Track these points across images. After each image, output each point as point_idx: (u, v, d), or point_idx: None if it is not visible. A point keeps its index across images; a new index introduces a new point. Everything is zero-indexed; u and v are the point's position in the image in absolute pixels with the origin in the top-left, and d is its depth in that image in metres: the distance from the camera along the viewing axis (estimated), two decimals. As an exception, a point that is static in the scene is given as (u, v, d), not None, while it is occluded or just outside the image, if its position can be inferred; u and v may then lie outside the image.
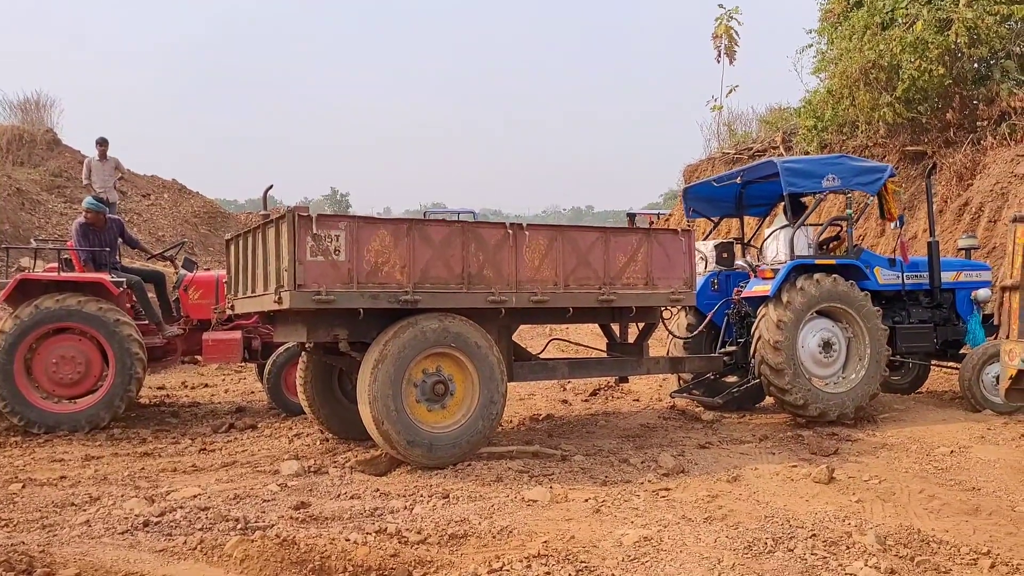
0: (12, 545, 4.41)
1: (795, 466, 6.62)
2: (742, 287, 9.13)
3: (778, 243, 8.94)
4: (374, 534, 4.86)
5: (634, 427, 8.38)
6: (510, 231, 6.77)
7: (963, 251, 10.13)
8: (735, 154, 21.23)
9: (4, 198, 19.37)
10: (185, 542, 4.64)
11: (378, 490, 5.98)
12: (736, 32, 22.74)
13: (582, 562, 4.53)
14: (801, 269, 8.39)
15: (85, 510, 5.43)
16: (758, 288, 8.53)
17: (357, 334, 6.55)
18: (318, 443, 7.63)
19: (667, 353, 9.44)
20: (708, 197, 10.03)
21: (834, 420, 8.17)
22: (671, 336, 9.38)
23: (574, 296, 7.07)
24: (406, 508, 5.51)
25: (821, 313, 8.42)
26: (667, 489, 6.03)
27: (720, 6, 22.56)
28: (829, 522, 5.20)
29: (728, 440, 7.68)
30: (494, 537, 4.96)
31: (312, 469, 6.54)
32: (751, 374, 8.63)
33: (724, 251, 9.67)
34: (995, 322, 9.71)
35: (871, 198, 9.13)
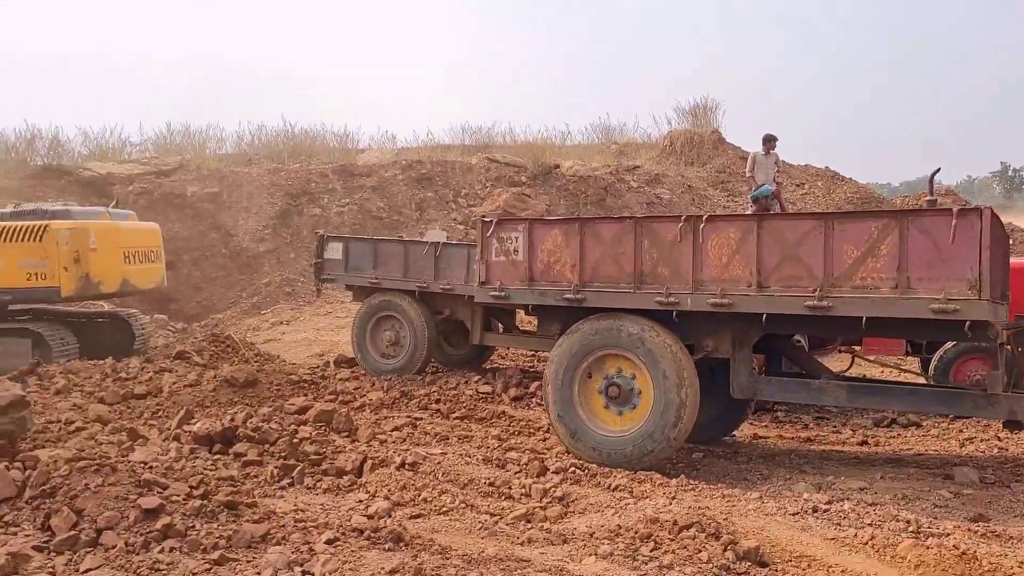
0: (700, 509, 4.97)
1: None
2: None
3: None
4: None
5: None
6: (685, 223, 6.04)
7: None
8: None
9: (677, 194, 21.99)
10: (856, 535, 4.66)
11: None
12: None
13: None
14: None
15: (758, 487, 5.84)
16: None
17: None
18: (994, 450, 6.91)
19: None
20: None
21: None
22: None
23: (771, 300, 5.77)
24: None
25: None
26: None
27: None
28: None
29: None
30: None
31: (990, 480, 5.94)
32: None
33: None
34: None
35: None
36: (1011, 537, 4.71)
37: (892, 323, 5.76)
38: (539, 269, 6.69)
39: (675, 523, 4.62)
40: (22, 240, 10.67)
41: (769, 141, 14.97)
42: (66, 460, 5.09)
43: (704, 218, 6.09)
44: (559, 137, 26.81)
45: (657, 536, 4.54)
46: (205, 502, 4.82)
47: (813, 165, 25.68)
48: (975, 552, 4.25)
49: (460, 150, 24.35)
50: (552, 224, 6.89)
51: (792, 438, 7.61)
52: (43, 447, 6.17)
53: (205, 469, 5.61)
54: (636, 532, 4.61)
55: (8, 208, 11.57)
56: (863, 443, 7.33)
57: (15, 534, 4.44)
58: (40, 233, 10.67)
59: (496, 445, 6.67)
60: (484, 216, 7.35)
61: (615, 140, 27.37)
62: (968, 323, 5.29)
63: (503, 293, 6.86)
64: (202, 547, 4.37)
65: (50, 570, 4.08)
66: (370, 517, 4.97)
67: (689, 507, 5.07)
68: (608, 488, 5.73)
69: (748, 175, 15.75)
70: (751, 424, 8.22)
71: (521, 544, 4.62)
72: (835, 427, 7.92)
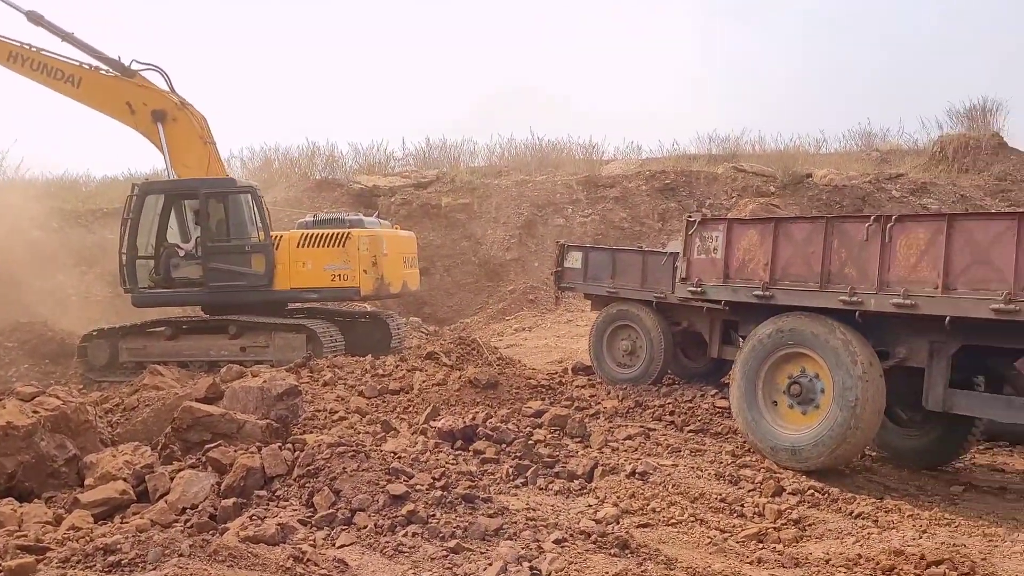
0: (955, 546, 4.56)
1: None
2: None
3: None
4: None
5: None
6: (874, 223, 5.93)
7: None
8: None
9: (948, 204, 20.09)
10: None
11: None
12: None
13: None
14: None
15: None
16: None
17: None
18: None
19: None
20: None
21: None
22: None
23: (956, 303, 5.47)
24: None
25: None
26: None
27: None
28: None
29: None
30: None
31: None
32: None
33: None
34: None
35: None
36: None
37: None
38: (734, 267, 6.93)
39: (922, 558, 4.28)
40: (327, 246, 12.00)
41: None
42: (328, 445, 5.64)
43: (894, 218, 5.95)
44: (813, 145, 25.53)
45: (901, 570, 4.23)
46: (445, 493, 5.15)
47: None
48: None
49: (706, 159, 23.88)
50: (749, 224, 7.11)
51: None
52: (311, 432, 6.87)
53: (447, 463, 5.98)
54: (878, 563, 4.33)
55: (309, 217, 13.06)
56: None
57: (284, 507, 5.00)
58: (343, 240, 11.94)
59: (730, 461, 6.51)
60: (689, 215, 7.53)
61: (876, 147, 25.56)
62: None
63: (700, 289, 7.17)
64: (441, 535, 4.67)
65: (311, 542, 4.55)
66: (598, 522, 5.05)
67: (942, 543, 4.67)
68: (849, 515, 5.42)
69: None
70: (1021, 455, 7.38)
71: (750, 563, 4.50)
72: None
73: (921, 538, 4.81)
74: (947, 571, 4.17)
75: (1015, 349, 5.96)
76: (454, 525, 4.78)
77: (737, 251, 6.91)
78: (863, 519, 5.31)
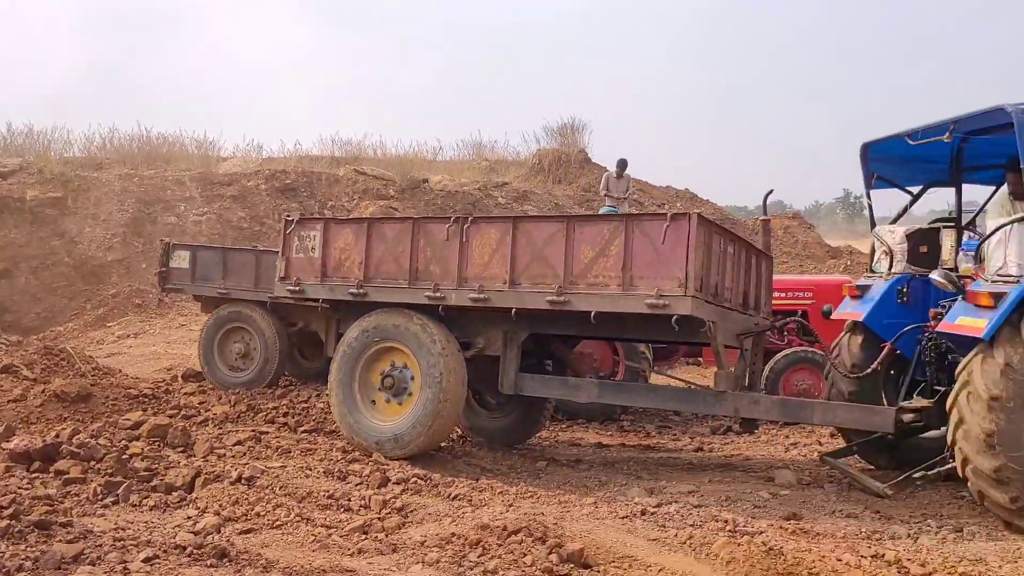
0: (534, 515, 5.06)
1: None
2: (943, 308, 5.94)
3: (1009, 246, 5.36)
4: (870, 559, 4.53)
5: None
6: (454, 224, 6.46)
7: None
8: None
9: (544, 211, 22.33)
10: (676, 535, 4.87)
11: (879, 512, 5.57)
12: None
13: None
14: None
15: (594, 493, 6.00)
16: (965, 322, 5.36)
17: None
18: (814, 454, 7.37)
19: (828, 390, 6.88)
20: (903, 158, 6.71)
21: None
22: (831, 368, 6.80)
23: (521, 296, 6.19)
24: (909, 536, 5.04)
25: None
26: None
27: None
28: None
29: None
30: (1018, 586, 4.26)
31: (807, 481, 6.34)
32: (950, 454, 5.59)
33: (923, 243, 6.60)
34: None
35: None
36: (817, 533, 5.03)
37: (625, 320, 6.18)
38: (331, 266, 7.02)
39: (504, 529, 4.69)
40: None
41: (621, 165, 15.76)
42: None
43: (470, 219, 6.51)
44: (431, 152, 26.77)
45: (486, 542, 4.59)
46: (14, 522, 4.54)
47: (674, 187, 26.72)
48: (781, 548, 4.51)
49: (328, 162, 23.90)
50: (345, 224, 7.27)
51: (634, 446, 7.86)
52: None
53: (19, 488, 5.27)
54: (467, 539, 4.65)
55: None
56: (699, 450, 7.67)
57: None
58: None
59: (340, 457, 6.56)
60: (287, 215, 7.56)
61: (485, 157, 27.56)
62: (676, 317, 5.67)
63: (299, 288, 7.14)
64: (4, 570, 4.10)
65: None
66: (196, 533, 4.79)
67: (524, 513, 5.14)
68: (448, 498, 5.75)
69: (602, 194, 16.45)
70: (596, 433, 8.45)
71: (351, 555, 4.57)
72: (675, 435, 8.24)
73: (507, 511, 5.27)
74: (524, 538, 4.61)
75: (571, 336, 6.85)
76: (23, 557, 4.22)
77: (334, 250, 7.02)
78: (460, 500, 5.68)
